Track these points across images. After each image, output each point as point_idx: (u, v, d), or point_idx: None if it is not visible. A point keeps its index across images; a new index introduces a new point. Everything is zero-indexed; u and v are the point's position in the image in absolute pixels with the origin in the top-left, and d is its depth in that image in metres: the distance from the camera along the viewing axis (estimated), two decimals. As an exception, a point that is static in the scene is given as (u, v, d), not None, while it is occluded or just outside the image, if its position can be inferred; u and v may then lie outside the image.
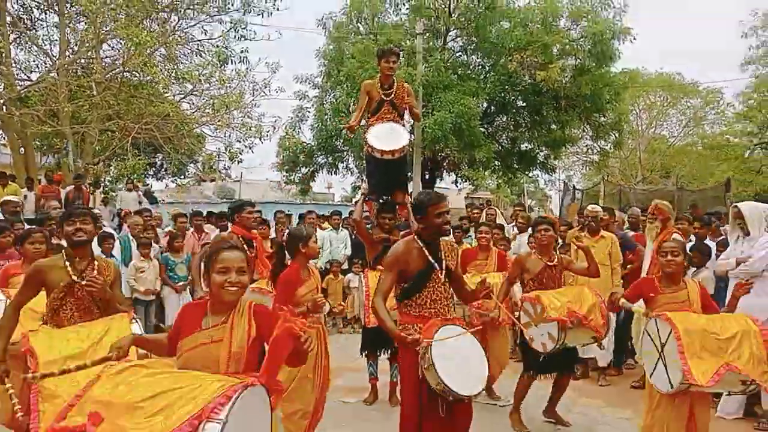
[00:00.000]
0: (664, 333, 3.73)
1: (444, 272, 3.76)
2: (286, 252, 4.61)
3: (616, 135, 19.31)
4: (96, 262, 3.61)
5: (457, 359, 3.45)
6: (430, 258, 3.70)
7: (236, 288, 2.63)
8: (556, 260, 5.15)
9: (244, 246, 4.71)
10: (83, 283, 3.46)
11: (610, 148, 21.28)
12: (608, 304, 6.43)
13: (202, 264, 2.83)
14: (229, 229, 5.57)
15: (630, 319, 6.50)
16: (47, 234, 5.18)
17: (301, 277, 4.35)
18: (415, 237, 3.78)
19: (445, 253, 3.80)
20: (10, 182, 11.65)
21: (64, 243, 3.80)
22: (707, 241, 6.55)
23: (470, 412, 3.71)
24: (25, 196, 11.18)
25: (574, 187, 24.49)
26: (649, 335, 3.89)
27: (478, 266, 6.35)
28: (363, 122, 5.93)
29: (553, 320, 4.67)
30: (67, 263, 3.50)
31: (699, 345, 3.60)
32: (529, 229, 6.29)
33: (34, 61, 15.18)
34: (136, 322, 3.50)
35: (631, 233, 7.54)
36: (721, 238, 6.38)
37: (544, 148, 18.91)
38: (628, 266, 6.78)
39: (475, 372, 3.55)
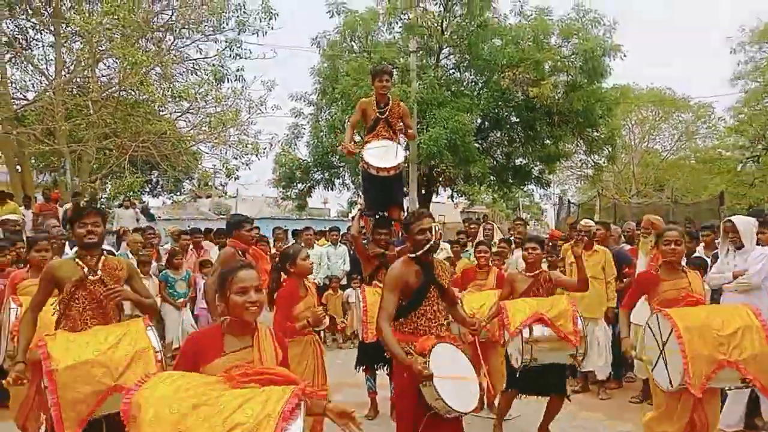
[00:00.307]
0: (665, 330, 3.77)
1: (438, 291, 3.82)
2: (280, 272, 4.67)
3: (610, 149, 19.48)
4: (105, 258, 3.65)
5: (451, 375, 3.51)
6: (426, 276, 3.76)
7: (256, 307, 2.65)
8: (542, 277, 5.15)
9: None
10: (106, 292, 3.52)
11: (604, 163, 21.43)
12: (610, 317, 6.55)
13: (217, 288, 2.81)
14: (227, 244, 5.55)
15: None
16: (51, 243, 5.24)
17: (299, 294, 4.43)
18: (410, 256, 3.83)
19: (438, 272, 3.86)
20: (8, 200, 11.66)
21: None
22: (701, 254, 6.62)
23: (461, 428, 3.75)
24: (23, 215, 11.19)
25: (569, 201, 24.66)
26: (651, 330, 3.93)
27: (477, 285, 6.41)
28: (358, 138, 6.00)
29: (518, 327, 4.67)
30: (77, 260, 3.57)
31: (700, 342, 3.63)
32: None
33: (30, 80, 15.24)
34: (151, 329, 3.50)
35: (627, 247, 7.60)
36: (716, 251, 6.45)
37: (538, 163, 19.02)
38: (624, 279, 6.83)
39: (470, 389, 3.62)
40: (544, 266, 5.71)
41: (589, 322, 6.21)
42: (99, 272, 3.56)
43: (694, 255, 6.52)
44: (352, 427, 2.52)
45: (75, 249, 3.80)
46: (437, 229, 3.82)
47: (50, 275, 3.55)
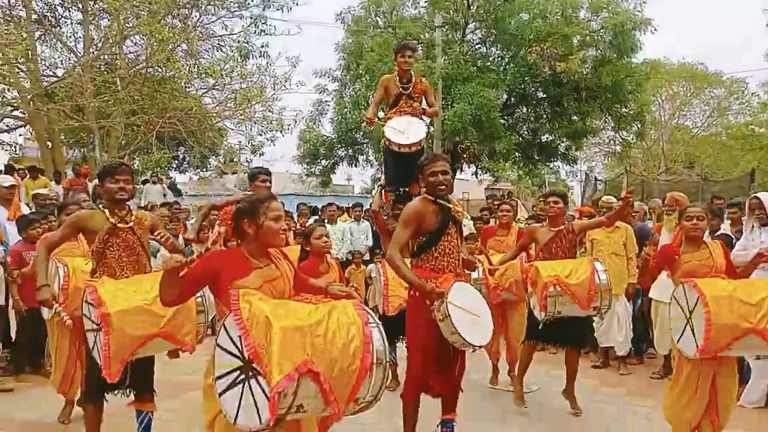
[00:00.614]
0: (692, 299, 3.76)
1: (457, 229, 3.93)
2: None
3: (638, 125, 19.15)
4: (132, 212, 3.86)
5: (468, 312, 3.64)
6: (444, 212, 3.85)
7: (285, 234, 2.93)
8: (565, 229, 5.17)
9: None
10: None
11: (632, 139, 21.09)
12: (630, 293, 6.53)
13: (243, 212, 2.84)
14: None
15: (649, 308, 6.53)
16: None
17: (319, 270, 4.54)
18: (427, 196, 3.91)
19: (455, 209, 3.95)
20: (40, 176, 11.96)
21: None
22: (727, 231, 6.53)
23: (464, 363, 3.95)
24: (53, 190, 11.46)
25: (595, 178, 24.36)
26: (677, 301, 3.93)
27: (497, 242, 6.44)
28: (381, 114, 6.00)
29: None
30: (107, 211, 3.74)
31: (726, 311, 3.62)
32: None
33: (59, 57, 15.50)
34: None
35: (651, 224, 7.52)
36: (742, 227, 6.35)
37: (564, 140, 18.81)
38: (645, 254, 6.77)
39: (484, 326, 3.75)
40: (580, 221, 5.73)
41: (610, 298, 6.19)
42: (128, 221, 3.78)
43: (719, 232, 6.43)
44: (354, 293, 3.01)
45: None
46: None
47: (80, 223, 3.73)
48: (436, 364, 3.77)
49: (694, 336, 3.74)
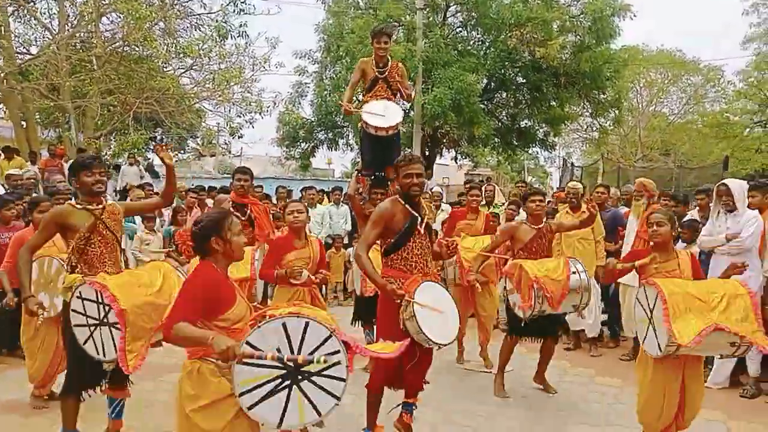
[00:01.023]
0: (651, 298, 3.86)
1: (424, 228, 4.02)
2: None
3: (616, 112, 19.34)
4: (107, 204, 3.87)
5: (434, 312, 3.75)
6: (413, 213, 3.95)
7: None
8: (545, 227, 5.32)
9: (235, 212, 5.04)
10: None
11: (610, 126, 21.30)
12: (599, 275, 6.69)
13: (209, 230, 2.94)
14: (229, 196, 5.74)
15: (617, 292, 6.73)
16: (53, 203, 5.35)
17: (292, 244, 4.63)
18: (398, 197, 4.02)
19: (424, 210, 4.07)
20: (15, 156, 11.77)
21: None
22: (696, 217, 6.70)
23: (431, 357, 4.11)
24: (28, 170, 11.29)
25: (572, 164, 24.61)
26: (640, 303, 4.02)
27: (467, 225, 6.60)
28: (359, 99, 6.04)
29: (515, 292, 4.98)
30: (86, 207, 3.73)
31: (684, 306, 3.71)
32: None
33: (33, 34, 15.15)
34: (179, 269, 3.87)
35: (624, 210, 7.68)
36: (686, 220, 6.53)
37: (543, 125, 18.93)
38: (620, 242, 6.93)
39: (449, 324, 3.88)
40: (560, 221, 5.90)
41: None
42: (105, 218, 3.78)
43: (686, 218, 6.60)
44: None
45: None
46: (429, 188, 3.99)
47: (60, 221, 3.68)
48: (406, 359, 3.82)
49: (656, 336, 3.84)
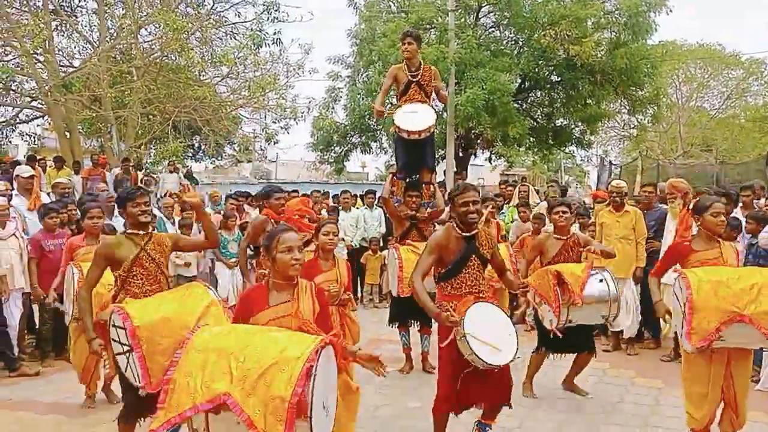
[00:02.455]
0: (685, 291, 3.75)
1: (480, 260, 3.97)
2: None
3: (655, 109, 18.96)
4: (154, 235, 3.90)
5: (488, 332, 3.68)
6: (467, 244, 3.92)
7: (299, 264, 3.03)
8: (572, 240, 5.23)
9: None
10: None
11: (648, 123, 20.88)
12: (633, 277, 6.58)
13: (263, 247, 3.10)
14: (262, 212, 5.73)
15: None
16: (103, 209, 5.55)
17: (320, 267, 4.60)
18: (453, 225, 3.98)
19: (482, 242, 4.00)
20: (64, 166, 12.21)
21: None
22: (739, 215, 6.52)
23: (505, 382, 3.92)
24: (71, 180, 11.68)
25: (610, 162, 24.19)
26: (676, 296, 3.92)
27: None
28: (393, 102, 6.08)
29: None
30: (133, 238, 3.78)
31: (710, 295, 3.62)
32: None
33: (75, 47, 15.69)
34: (212, 289, 3.83)
35: (664, 207, 7.53)
36: (749, 211, 6.34)
37: (579, 124, 18.68)
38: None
39: (505, 343, 3.76)
40: (575, 228, 5.76)
41: (618, 281, 6.25)
42: (150, 249, 3.79)
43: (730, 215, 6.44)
44: (380, 369, 3.07)
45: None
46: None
47: (109, 254, 3.74)
48: (467, 378, 3.80)
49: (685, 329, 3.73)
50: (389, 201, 6.14)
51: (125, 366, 3.51)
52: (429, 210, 6.11)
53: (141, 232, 3.79)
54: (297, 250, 3.00)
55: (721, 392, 3.88)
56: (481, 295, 3.95)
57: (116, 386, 5.04)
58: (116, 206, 3.96)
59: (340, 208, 10.18)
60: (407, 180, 6.03)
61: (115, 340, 3.55)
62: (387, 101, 6.14)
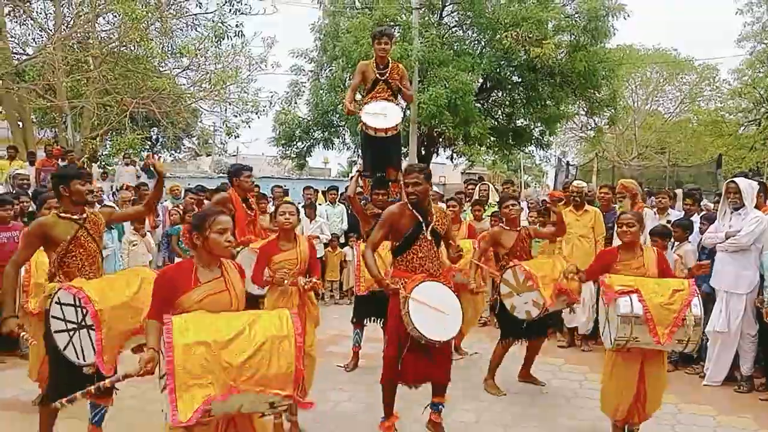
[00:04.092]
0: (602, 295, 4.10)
1: (430, 233, 4.19)
2: None
3: (612, 111, 19.42)
4: (89, 214, 3.85)
5: (432, 309, 3.88)
6: (419, 219, 4.15)
7: (232, 246, 3.14)
8: (524, 231, 5.49)
9: (245, 207, 5.21)
10: None
11: (605, 125, 21.37)
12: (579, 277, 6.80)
13: (192, 227, 3.11)
14: (228, 192, 5.67)
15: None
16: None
17: (278, 247, 4.61)
18: (407, 203, 4.22)
19: (436, 217, 4.24)
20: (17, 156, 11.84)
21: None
22: (680, 216, 6.79)
23: (447, 358, 4.17)
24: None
25: (568, 163, 24.67)
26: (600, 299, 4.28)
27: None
28: (359, 98, 6.09)
29: (536, 288, 4.99)
30: (69, 217, 3.71)
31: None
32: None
33: (29, 35, 15.19)
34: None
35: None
36: (703, 213, 6.60)
37: (539, 124, 18.98)
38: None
39: (448, 322, 3.97)
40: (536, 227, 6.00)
41: (575, 278, 6.46)
42: (88, 228, 3.76)
43: (678, 218, 6.69)
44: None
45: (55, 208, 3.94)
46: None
47: (43, 233, 3.65)
48: (410, 353, 3.98)
49: (609, 330, 4.05)
50: (355, 199, 6.18)
51: (65, 344, 3.48)
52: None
53: (76, 217, 3.72)
54: (229, 233, 3.07)
55: (636, 388, 4.15)
56: (432, 273, 4.16)
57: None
58: (56, 183, 3.77)
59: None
60: (374, 178, 6.07)
61: (56, 317, 3.51)
62: (355, 99, 6.15)
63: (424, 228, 4.16)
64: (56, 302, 3.52)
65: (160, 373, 2.83)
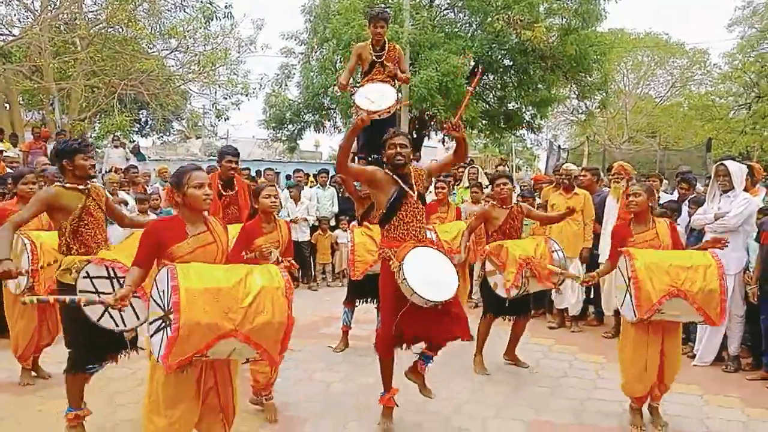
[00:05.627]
0: (629, 266, 4.01)
1: (416, 196, 4.16)
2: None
3: (603, 95, 19.42)
4: (92, 186, 3.94)
5: (427, 273, 3.89)
6: (400, 183, 4.11)
7: (209, 198, 3.15)
8: (515, 209, 5.50)
9: (220, 188, 5.27)
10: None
11: (596, 108, 21.38)
12: (584, 257, 6.82)
13: (172, 185, 3.18)
14: (209, 176, 5.67)
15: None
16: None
17: (261, 229, 4.60)
18: (385, 166, 4.19)
19: (415, 179, 4.20)
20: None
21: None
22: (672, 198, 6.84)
23: (455, 317, 4.04)
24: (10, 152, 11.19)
25: (559, 146, 24.69)
26: (620, 271, 4.20)
27: (439, 218, 7.07)
28: (357, 82, 6.06)
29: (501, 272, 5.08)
30: (75, 189, 3.79)
31: (654, 272, 3.90)
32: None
33: (15, 15, 14.94)
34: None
35: (606, 191, 7.76)
36: (692, 195, 6.63)
37: (530, 108, 18.96)
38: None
39: (445, 282, 3.95)
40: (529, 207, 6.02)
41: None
42: (95, 197, 3.88)
43: (667, 200, 6.73)
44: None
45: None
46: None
47: (51, 201, 3.70)
48: (411, 315, 3.93)
49: (632, 302, 3.99)
50: (349, 181, 6.15)
51: (99, 315, 3.57)
52: None
53: (81, 187, 3.81)
54: (207, 186, 3.14)
55: (660, 361, 4.17)
56: (419, 236, 4.14)
57: (44, 362, 5.10)
58: (60, 157, 3.80)
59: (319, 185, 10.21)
60: (368, 160, 6.05)
61: (86, 291, 3.56)
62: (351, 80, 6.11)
63: (409, 190, 4.11)
64: (84, 276, 3.60)
65: (150, 319, 2.91)
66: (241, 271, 2.91)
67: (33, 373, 5.05)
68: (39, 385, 4.95)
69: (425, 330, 4.04)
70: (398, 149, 4.09)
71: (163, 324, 2.75)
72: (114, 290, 3.51)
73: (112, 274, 3.61)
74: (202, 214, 3.20)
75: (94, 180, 4.01)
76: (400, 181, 4.10)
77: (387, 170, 4.14)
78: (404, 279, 3.81)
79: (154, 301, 2.86)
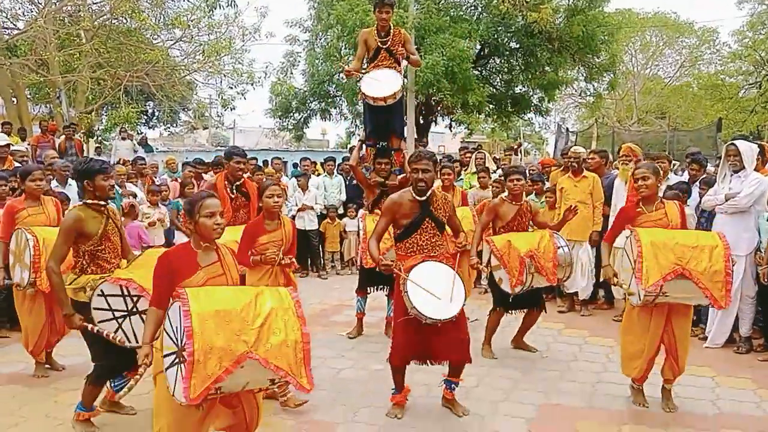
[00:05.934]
0: (636, 248, 3.99)
1: (435, 223, 4.17)
2: None
3: (611, 76, 19.20)
4: (109, 208, 3.97)
5: (432, 288, 3.88)
6: (422, 207, 4.12)
7: (221, 228, 3.12)
8: (524, 206, 5.46)
9: (233, 190, 5.22)
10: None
11: (604, 90, 21.17)
12: (594, 239, 6.79)
13: (185, 212, 3.17)
14: (216, 177, 5.64)
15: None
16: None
17: (264, 228, 4.60)
18: (410, 190, 4.17)
19: (437, 205, 4.20)
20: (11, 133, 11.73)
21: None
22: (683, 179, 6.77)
23: (460, 331, 4.08)
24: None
25: (567, 129, 24.53)
26: (626, 253, 4.18)
27: None
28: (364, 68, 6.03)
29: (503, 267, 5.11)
30: (96, 210, 3.84)
31: (660, 251, 3.89)
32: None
33: (20, 9, 14.94)
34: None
35: (615, 173, 7.71)
36: (703, 176, 6.57)
37: (538, 91, 18.76)
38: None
39: (448, 301, 3.92)
40: (532, 196, 5.97)
41: (574, 244, 6.48)
42: (113, 221, 3.93)
43: (676, 182, 6.67)
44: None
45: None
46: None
47: (80, 228, 3.75)
48: (417, 334, 3.99)
49: (637, 284, 3.98)
50: (358, 168, 6.16)
51: (114, 330, 3.65)
52: (399, 177, 6.12)
53: (100, 207, 3.85)
54: (219, 216, 3.10)
55: (658, 345, 4.21)
56: (433, 256, 4.13)
57: (57, 354, 5.16)
58: (81, 177, 3.88)
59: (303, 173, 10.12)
60: (376, 147, 6.03)
61: (99, 308, 3.66)
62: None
63: (428, 216, 4.12)
64: (99, 294, 3.67)
65: (164, 352, 2.85)
66: (250, 292, 2.92)
67: (47, 366, 5.09)
68: (53, 377, 4.99)
69: (424, 347, 4.08)
70: (421, 174, 4.05)
71: (177, 360, 2.72)
72: (127, 307, 3.65)
73: (126, 293, 3.65)
74: (214, 242, 3.17)
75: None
76: (421, 207, 4.11)
77: (411, 192, 4.14)
78: (406, 292, 3.85)
79: (167, 334, 2.84)
